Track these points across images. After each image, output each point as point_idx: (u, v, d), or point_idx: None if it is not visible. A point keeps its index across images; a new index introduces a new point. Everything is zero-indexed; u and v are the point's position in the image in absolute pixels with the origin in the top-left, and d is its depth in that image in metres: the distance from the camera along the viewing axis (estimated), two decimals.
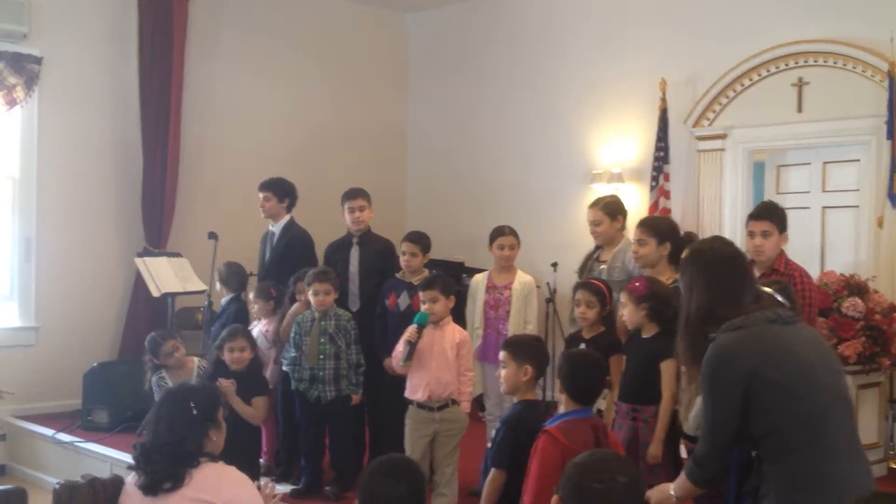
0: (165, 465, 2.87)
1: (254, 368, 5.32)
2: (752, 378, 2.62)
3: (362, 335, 5.44)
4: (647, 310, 4.20)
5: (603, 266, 5.20)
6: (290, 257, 6.01)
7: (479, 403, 5.70)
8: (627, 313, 4.33)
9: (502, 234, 5.59)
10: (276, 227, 6.18)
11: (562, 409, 3.53)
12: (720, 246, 2.97)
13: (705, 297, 2.80)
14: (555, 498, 2.34)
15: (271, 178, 6.25)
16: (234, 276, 6.13)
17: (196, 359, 5.52)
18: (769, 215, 4.58)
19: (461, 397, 4.87)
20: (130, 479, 2.96)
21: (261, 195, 6.17)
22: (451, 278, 5.17)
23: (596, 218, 5.28)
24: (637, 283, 4.29)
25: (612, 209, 5.29)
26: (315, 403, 5.31)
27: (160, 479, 2.85)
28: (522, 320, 5.53)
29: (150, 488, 2.86)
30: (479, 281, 5.70)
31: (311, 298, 5.33)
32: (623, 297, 4.37)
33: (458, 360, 4.84)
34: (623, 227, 5.31)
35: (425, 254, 5.56)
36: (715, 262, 2.86)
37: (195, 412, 2.96)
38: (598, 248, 5.36)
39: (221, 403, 3.12)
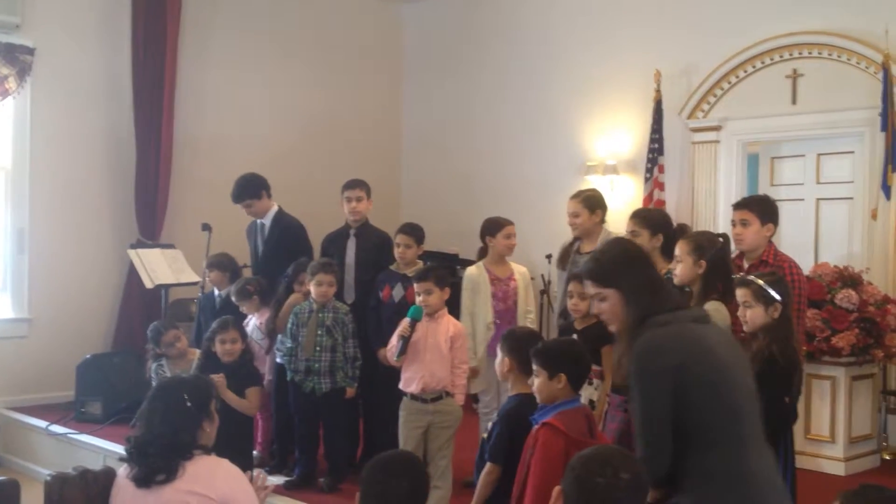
0: (159, 457, 2.85)
1: (246, 360, 5.32)
2: (680, 372, 2.63)
3: (357, 327, 5.43)
4: None
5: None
6: (285, 247, 5.95)
7: (472, 395, 5.69)
8: None
9: (508, 224, 5.59)
10: (265, 219, 6.07)
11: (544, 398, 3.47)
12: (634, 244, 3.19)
13: (646, 296, 2.76)
14: (556, 489, 2.35)
15: (237, 185, 5.92)
16: (238, 268, 6.10)
17: (198, 350, 5.52)
18: (748, 204, 4.58)
19: (455, 390, 4.86)
20: (122, 471, 2.95)
21: (241, 206, 5.95)
22: (445, 270, 5.15)
23: (575, 210, 5.31)
24: None
25: (591, 202, 5.31)
26: (310, 395, 5.30)
27: (154, 471, 2.84)
28: (527, 310, 5.56)
29: (143, 481, 2.84)
30: (476, 274, 5.57)
31: (313, 289, 5.30)
32: None
33: (452, 353, 4.83)
34: (602, 221, 5.33)
35: (419, 245, 5.54)
36: (644, 260, 2.89)
37: (189, 404, 2.94)
38: (576, 239, 5.36)
39: (214, 395, 3.11)
